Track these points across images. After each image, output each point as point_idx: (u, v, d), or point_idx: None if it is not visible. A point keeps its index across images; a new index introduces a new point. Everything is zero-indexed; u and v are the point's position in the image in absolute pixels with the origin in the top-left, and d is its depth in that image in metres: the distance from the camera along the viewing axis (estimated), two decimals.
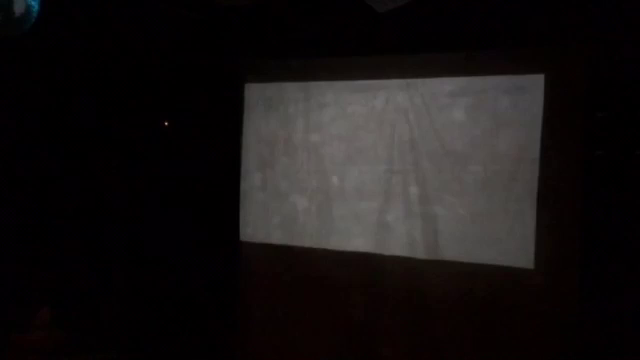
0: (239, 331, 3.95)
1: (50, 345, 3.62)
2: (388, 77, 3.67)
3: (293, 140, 3.92)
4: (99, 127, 4.12)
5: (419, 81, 3.60)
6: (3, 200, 3.90)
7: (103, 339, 3.92)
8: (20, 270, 3.93)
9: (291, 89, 3.93)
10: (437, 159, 3.54)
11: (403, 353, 3.54)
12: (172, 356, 3.88)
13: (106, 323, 3.98)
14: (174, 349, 3.87)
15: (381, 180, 3.68)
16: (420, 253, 3.54)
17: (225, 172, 3.99)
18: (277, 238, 3.92)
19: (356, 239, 3.70)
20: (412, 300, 3.54)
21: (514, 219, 3.32)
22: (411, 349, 3.52)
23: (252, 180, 4.00)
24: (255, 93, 4.02)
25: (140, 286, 4.07)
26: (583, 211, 3.13)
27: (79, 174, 4.12)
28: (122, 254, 4.13)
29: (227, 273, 3.94)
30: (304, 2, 3.62)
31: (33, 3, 2.78)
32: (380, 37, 3.57)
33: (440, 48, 3.47)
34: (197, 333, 3.86)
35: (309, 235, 3.83)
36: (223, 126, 4.01)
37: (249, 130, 4.02)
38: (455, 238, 3.45)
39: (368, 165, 3.71)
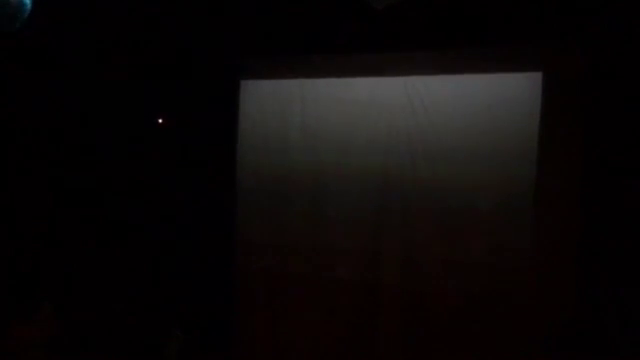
0: (237, 331, 3.94)
1: (50, 339, 3.64)
2: (386, 74, 3.65)
3: (289, 137, 3.89)
4: (96, 125, 4.10)
5: (417, 79, 3.58)
6: (7, 195, 3.92)
7: (102, 336, 3.92)
8: (23, 264, 3.95)
9: (287, 86, 3.91)
10: (434, 157, 3.52)
11: (401, 352, 3.53)
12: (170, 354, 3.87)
13: (105, 321, 3.97)
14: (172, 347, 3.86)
15: (378, 177, 3.66)
16: (417, 252, 3.53)
17: (221, 171, 3.96)
18: (274, 236, 3.89)
19: (354, 237, 3.68)
20: (410, 299, 3.53)
21: (512, 217, 3.31)
22: (409, 348, 3.51)
23: (248, 178, 3.98)
24: (251, 90, 3.99)
25: (138, 285, 4.05)
26: (581, 209, 3.12)
27: (79, 172, 4.11)
28: (120, 252, 4.10)
29: (224, 273, 3.92)
30: None
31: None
32: (378, 34, 3.55)
33: (438, 45, 3.45)
34: (195, 333, 3.84)
35: (307, 233, 3.80)
36: (219, 123, 3.99)
37: (245, 127, 3.99)
38: (452, 237, 3.44)
39: (365, 163, 3.69)
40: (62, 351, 3.68)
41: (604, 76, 3.08)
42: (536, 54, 3.30)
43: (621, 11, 3.03)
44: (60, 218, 4.12)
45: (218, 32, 3.86)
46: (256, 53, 3.91)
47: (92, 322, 3.95)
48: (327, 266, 3.74)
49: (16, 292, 3.95)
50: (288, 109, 3.91)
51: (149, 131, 4.14)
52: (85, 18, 3.74)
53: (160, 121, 4.18)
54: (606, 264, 3.05)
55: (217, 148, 3.95)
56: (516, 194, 3.30)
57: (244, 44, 3.89)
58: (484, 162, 3.40)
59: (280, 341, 3.83)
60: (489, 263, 3.33)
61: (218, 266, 3.91)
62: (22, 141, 4.05)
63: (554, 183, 3.21)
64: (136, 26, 3.85)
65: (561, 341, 3.08)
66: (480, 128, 3.42)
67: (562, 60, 3.24)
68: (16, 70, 3.94)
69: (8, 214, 4.08)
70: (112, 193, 4.14)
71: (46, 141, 4.07)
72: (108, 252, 4.11)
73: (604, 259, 3.06)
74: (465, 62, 3.45)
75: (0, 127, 4.11)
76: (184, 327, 3.80)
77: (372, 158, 3.68)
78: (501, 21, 3.31)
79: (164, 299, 3.97)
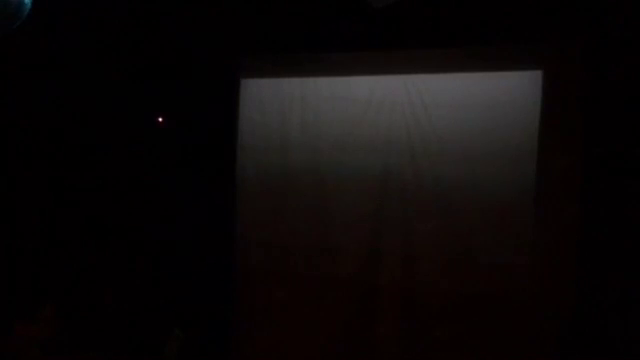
0: (237, 331, 3.94)
1: (52, 338, 3.66)
2: (385, 73, 3.65)
3: (289, 136, 3.89)
4: (95, 125, 4.11)
5: (417, 77, 3.58)
6: (7, 195, 3.93)
7: (102, 336, 3.93)
8: (25, 263, 3.96)
9: (288, 85, 3.90)
10: (434, 156, 3.52)
11: (401, 351, 3.53)
12: (170, 354, 3.88)
13: (106, 320, 3.99)
14: (172, 346, 3.87)
15: (378, 175, 3.66)
16: (417, 251, 3.53)
17: (221, 171, 3.96)
18: (274, 235, 3.89)
19: (354, 236, 3.68)
20: (410, 298, 3.53)
21: (511, 217, 3.31)
22: (409, 348, 3.52)
23: (249, 177, 3.97)
24: (251, 89, 3.98)
25: (138, 285, 4.06)
26: (581, 209, 3.12)
27: (79, 171, 4.12)
28: (121, 251, 4.11)
29: (224, 273, 3.92)
30: None
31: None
32: (377, 32, 3.55)
33: (438, 44, 3.45)
34: (195, 333, 3.85)
35: (307, 233, 3.80)
36: (219, 123, 3.98)
37: (245, 126, 3.99)
38: (451, 236, 3.44)
39: (365, 161, 3.69)
40: (63, 350, 3.70)
41: (604, 76, 3.08)
42: (536, 53, 3.29)
43: (622, 10, 3.02)
44: (61, 218, 4.13)
45: (218, 31, 3.86)
46: (256, 52, 3.90)
47: (93, 321, 3.96)
48: (327, 265, 3.73)
49: (19, 291, 3.97)
50: (288, 108, 3.90)
51: (149, 131, 4.14)
52: (84, 18, 3.74)
53: (160, 120, 4.18)
54: (606, 264, 3.05)
55: (217, 148, 3.95)
56: (516, 194, 3.30)
57: (244, 43, 3.89)
58: (484, 161, 3.40)
59: (280, 341, 3.84)
60: (489, 263, 3.33)
61: (218, 266, 3.91)
62: (22, 141, 4.05)
63: (554, 183, 3.20)
64: (136, 26, 3.85)
65: (561, 341, 3.09)
66: (480, 127, 3.42)
67: (562, 59, 3.23)
68: (15, 70, 3.94)
69: (9, 213, 4.09)
70: (112, 193, 4.14)
71: (46, 141, 4.07)
72: (109, 252, 4.12)
73: (604, 259, 3.06)
74: (465, 61, 3.44)
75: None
76: (184, 327, 3.80)
77: (372, 157, 3.68)
78: (501, 20, 3.31)
79: (164, 299, 3.98)
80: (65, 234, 4.12)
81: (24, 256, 4.10)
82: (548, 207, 3.20)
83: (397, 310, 3.56)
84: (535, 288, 3.20)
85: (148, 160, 4.10)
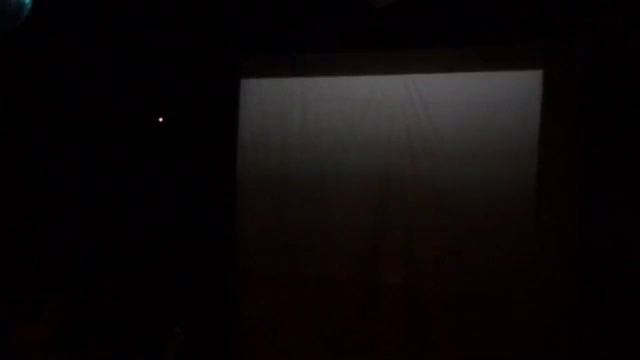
0: (237, 331, 3.95)
1: (54, 338, 3.66)
2: (386, 73, 3.65)
3: (289, 136, 3.90)
4: (94, 125, 4.10)
5: (417, 77, 3.58)
6: (7, 193, 3.93)
7: (102, 335, 3.93)
8: (27, 263, 3.96)
9: (288, 85, 3.91)
10: (434, 156, 3.52)
11: (402, 351, 3.54)
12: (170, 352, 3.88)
13: (106, 320, 3.99)
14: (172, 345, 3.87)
15: (378, 175, 3.66)
16: (417, 251, 3.53)
17: (221, 169, 3.96)
18: (274, 235, 3.89)
19: (354, 235, 3.68)
20: (411, 298, 3.53)
21: (511, 217, 3.31)
22: (410, 348, 3.52)
23: (249, 177, 3.98)
24: (252, 89, 3.99)
25: (139, 284, 4.06)
26: (581, 208, 3.12)
27: (79, 171, 4.12)
28: (121, 251, 4.12)
29: (224, 272, 3.93)
30: None
31: None
32: (378, 32, 3.55)
33: (438, 44, 3.45)
34: (195, 332, 3.85)
35: (307, 233, 3.80)
36: (219, 123, 3.98)
37: (245, 127, 3.99)
38: (451, 236, 3.44)
39: (365, 161, 3.70)
40: (64, 349, 3.70)
41: (604, 76, 3.08)
42: (536, 53, 3.30)
43: (621, 10, 3.03)
44: (62, 217, 4.12)
45: (218, 31, 3.86)
46: (256, 52, 3.90)
47: (93, 321, 3.96)
48: (327, 265, 3.73)
49: (19, 291, 3.97)
50: (289, 108, 3.91)
51: (149, 131, 4.14)
52: (84, 18, 3.73)
53: (160, 120, 4.18)
54: (606, 264, 3.06)
55: (217, 147, 3.95)
56: (516, 194, 3.30)
57: (244, 43, 3.89)
58: (484, 161, 3.40)
59: (280, 340, 3.84)
60: (489, 263, 3.33)
61: (218, 265, 3.91)
62: (21, 139, 4.04)
63: (554, 183, 3.21)
64: (136, 26, 3.84)
65: (561, 342, 3.10)
66: (480, 127, 3.43)
67: (562, 59, 3.23)
68: (15, 70, 3.93)
69: (10, 213, 4.09)
70: (112, 193, 4.14)
71: (46, 141, 4.07)
72: (109, 252, 4.12)
73: (604, 259, 3.06)
74: (465, 61, 3.45)
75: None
76: (184, 326, 3.80)
77: (372, 157, 3.68)
78: (501, 20, 3.31)
79: (164, 298, 3.98)
80: (66, 235, 4.11)
81: (24, 256, 4.09)
82: (548, 207, 3.21)
83: (397, 309, 3.56)
84: (535, 287, 3.21)
85: (148, 160, 4.10)
